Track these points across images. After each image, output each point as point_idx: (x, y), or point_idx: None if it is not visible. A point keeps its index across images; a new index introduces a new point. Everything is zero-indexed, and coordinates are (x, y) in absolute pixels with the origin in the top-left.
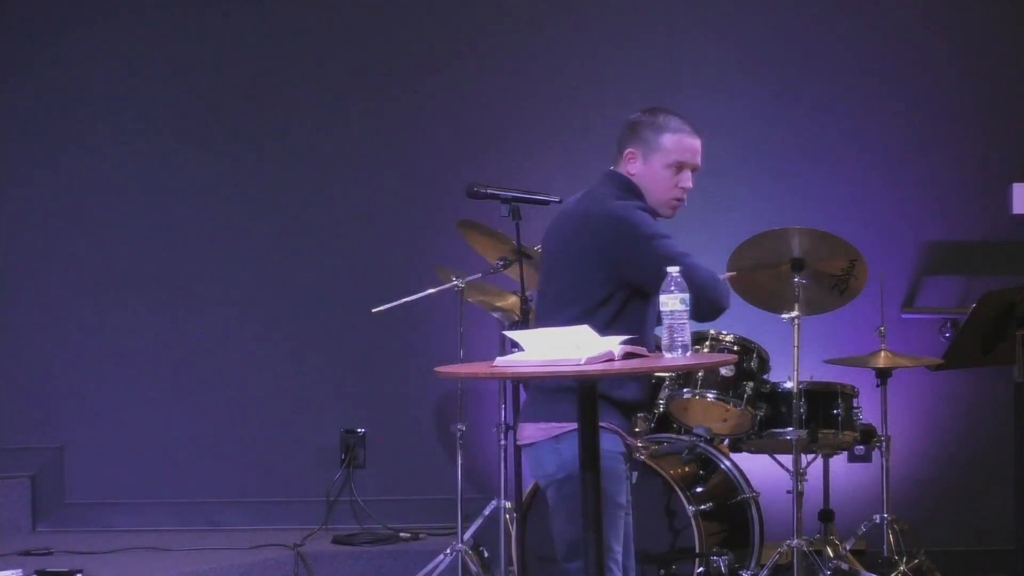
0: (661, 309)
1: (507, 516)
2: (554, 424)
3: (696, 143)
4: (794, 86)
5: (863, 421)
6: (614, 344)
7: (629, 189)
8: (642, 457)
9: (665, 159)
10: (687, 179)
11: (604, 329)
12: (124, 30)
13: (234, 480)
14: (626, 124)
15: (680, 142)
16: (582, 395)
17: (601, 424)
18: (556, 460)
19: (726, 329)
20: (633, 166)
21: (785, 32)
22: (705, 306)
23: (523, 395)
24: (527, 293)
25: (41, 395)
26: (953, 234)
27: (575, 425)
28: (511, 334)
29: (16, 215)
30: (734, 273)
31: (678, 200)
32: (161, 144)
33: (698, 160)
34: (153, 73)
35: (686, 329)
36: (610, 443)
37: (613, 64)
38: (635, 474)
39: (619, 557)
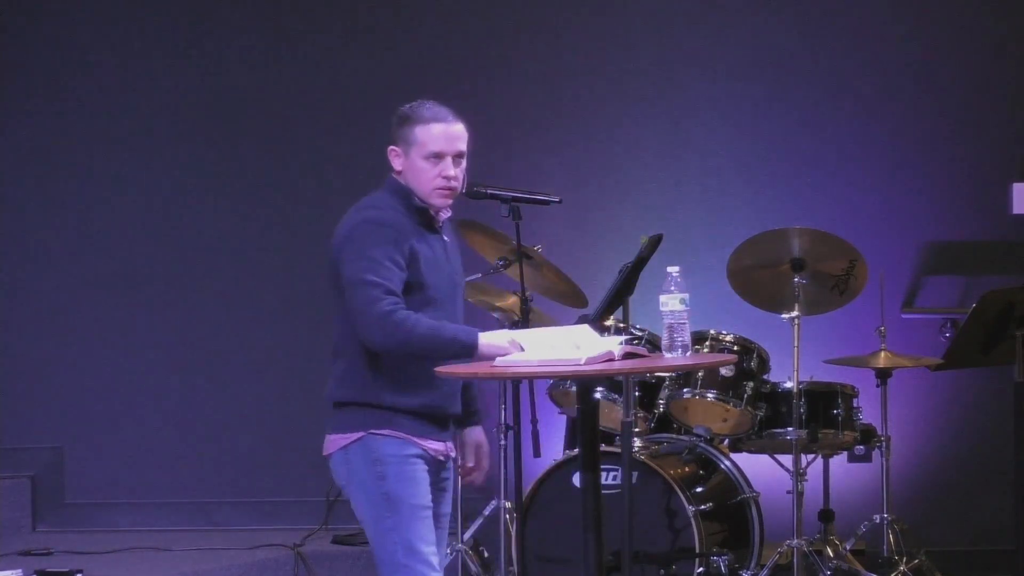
0: (661, 309)
1: (507, 516)
2: (341, 435)
3: (451, 129)
4: (794, 86)
5: (863, 421)
6: (614, 344)
7: (392, 190)
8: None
9: (421, 152)
10: (447, 168)
11: (370, 368)
12: (124, 30)
13: (234, 480)
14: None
15: (432, 132)
16: (582, 395)
17: (380, 432)
18: (346, 470)
19: (726, 329)
20: (397, 163)
21: (785, 33)
22: (362, 336)
23: (523, 396)
24: (527, 293)
25: (41, 395)
26: (953, 234)
27: (359, 435)
28: (511, 334)
29: (16, 215)
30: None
31: (445, 189)
32: (162, 144)
33: (457, 146)
34: (153, 72)
35: (686, 329)
36: (393, 448)
37: (613, 64)
38: (635, 474)
39: (431, 559)
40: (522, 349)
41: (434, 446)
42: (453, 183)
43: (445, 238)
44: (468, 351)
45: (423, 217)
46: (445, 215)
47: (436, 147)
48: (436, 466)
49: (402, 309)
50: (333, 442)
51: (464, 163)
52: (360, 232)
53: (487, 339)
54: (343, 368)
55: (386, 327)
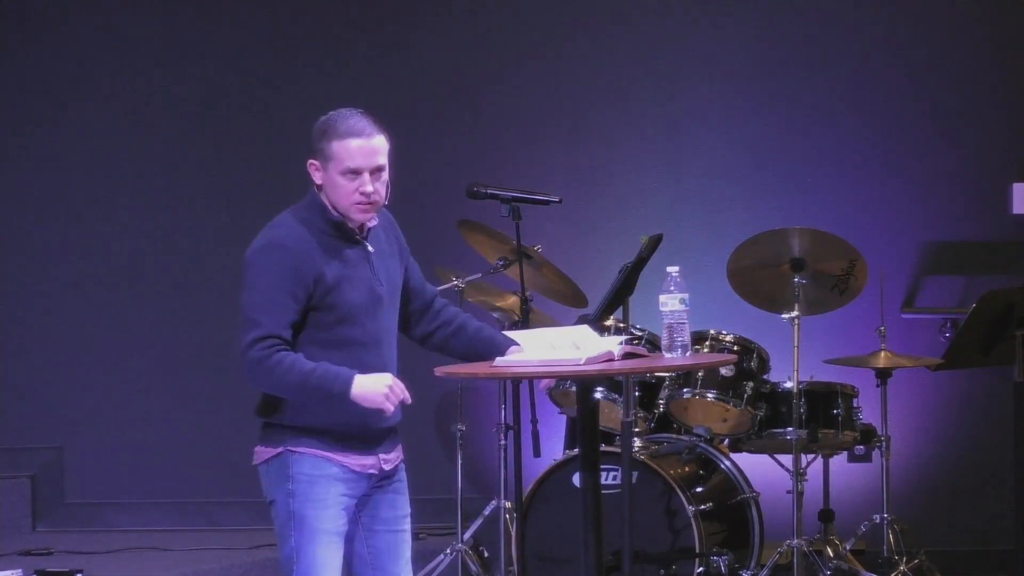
0: (661, 309)
1: (507, 516)
2: (264, 448)
3: (369, 144)
4: (795, 86)
5: (863, 421)
6: (614, 344)
7: (308, 204)
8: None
9: (338, 167)
10: (365, 183)
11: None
12: (123, 26)
13: (234, 480)
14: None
15: (349, 147)
16: (582, 395)
17: (297, 449)
18: (266, 483)
19: (726, 329)
20: (317, 176)
21: (786, 33)
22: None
23: (523, 396)
24: (527, 293)
25: (41, 395)
26: (953, 234)
27: (278, 450)
28: (511, 334)
29: (16, 215)
30: None
31: (364, 204)
32: (162, 144)
33: (376, 161)
34: (153, 70)
35: (686, 329)
36: (306, 467)
37: (614, 64)
38: (635, 474)
39: None
40: (392, 397)
41: (361, 461)
42: (374, 197)
43: (370, 247)
44: (338, 400)
45: (340, 231)
46: (372, 223)
47: (353, 163)
48: (371, 481)
49: (277, 352)
50: (258, 454)
51: (385, 175)
52: (262, 258)
53: (361, 387)
54: None
55: (256, 373)
